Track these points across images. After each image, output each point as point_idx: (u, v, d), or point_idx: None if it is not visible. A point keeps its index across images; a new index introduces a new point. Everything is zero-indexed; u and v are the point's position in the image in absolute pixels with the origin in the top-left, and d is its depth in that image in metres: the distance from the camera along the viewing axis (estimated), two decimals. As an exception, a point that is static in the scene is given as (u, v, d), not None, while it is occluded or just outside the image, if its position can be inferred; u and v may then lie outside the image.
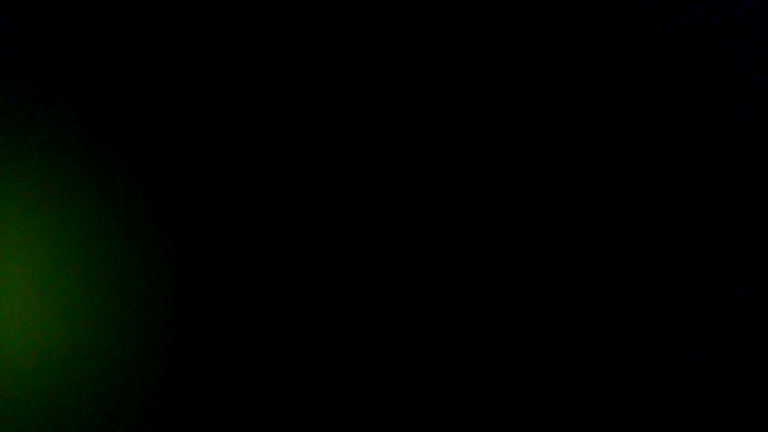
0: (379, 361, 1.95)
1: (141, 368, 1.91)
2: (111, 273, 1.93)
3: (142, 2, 1.92)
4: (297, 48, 1.98)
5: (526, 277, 1.96)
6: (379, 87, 1.99)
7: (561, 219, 1.97)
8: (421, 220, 1.98)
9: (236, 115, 1.97)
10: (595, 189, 1.97)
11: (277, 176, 1.97)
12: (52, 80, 1.93)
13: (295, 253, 1.96)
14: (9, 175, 1.93)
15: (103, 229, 1.94)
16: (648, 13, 1.99)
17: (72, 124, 1.92)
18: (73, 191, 1.94)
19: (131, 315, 1.92)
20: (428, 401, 1.94)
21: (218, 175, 1.96)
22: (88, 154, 1.93)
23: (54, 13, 1.90)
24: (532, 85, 1.99)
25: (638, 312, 1.95)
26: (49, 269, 1.93)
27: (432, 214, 1.98)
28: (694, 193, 1.97)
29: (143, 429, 1.91)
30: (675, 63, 1.99)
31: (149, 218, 1.94)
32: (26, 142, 1.94)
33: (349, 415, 1.94)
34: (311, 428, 1.93)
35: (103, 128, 1.94)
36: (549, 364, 1.94)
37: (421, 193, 1.98)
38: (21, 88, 1.92)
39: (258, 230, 1.97)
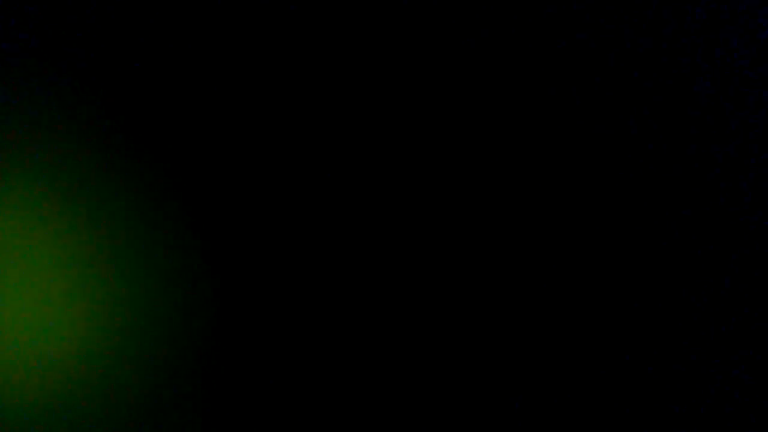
0: (386, 360, 1.95)
1: (173, 369, 1.92)
2: (137, 274, 1.94)
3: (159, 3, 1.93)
4: (306, 51, 1.99)
5: (525, 277, 1.97)
6: (381, 89, 1.99)
7: (561, 219, 1.97)
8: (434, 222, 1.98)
9: (263, 115, 1.98)
10: (595, 189, 1.98)
11: (306, 178, 1.97)
12: (87, 79, 1.93)
13: (321, 257, 1.96)
14: (39, 176, 1.94)
15: (126, 230, 1.95)
16: (648, 12, 2.00)
17: (101, 124, 1.93)
18: (102, 191, 1.95)
19: (161, 316, 1.93)
20: (432, 402, 1.95)
21: (248, 175, 1.96)
22: (119, 154, 1.94)
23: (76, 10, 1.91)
24: (531, 85, 2.00)
25: (638, 312, 1.95)
26: (78, 270, 1.93)
27: (444, 216, 1.98)
28: (694, 193, 1.97)
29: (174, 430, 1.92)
30: (675, 62, 2.00)
31: (175, 217, 1.94)
32: (57, 141, 1.95)
33: (358, 415, 1.95)
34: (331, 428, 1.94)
35: (132, 129, 1.94)
36: (549, 364, 1.95)
37: (435, 195, 1.98)
38: (54, 88, 1.93)
39: (279, 228, 1.97)
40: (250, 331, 1.95)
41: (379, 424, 1.94)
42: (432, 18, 2.00)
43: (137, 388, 1.92)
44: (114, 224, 1.95)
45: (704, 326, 1.94)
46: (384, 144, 1.98)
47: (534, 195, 1.98)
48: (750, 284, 1.94)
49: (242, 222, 1.97)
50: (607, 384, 1.94)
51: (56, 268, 1.93)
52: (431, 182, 1.98)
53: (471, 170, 1.99)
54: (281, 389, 1.94)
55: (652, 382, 1.94)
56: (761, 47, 1.99)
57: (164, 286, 1.94)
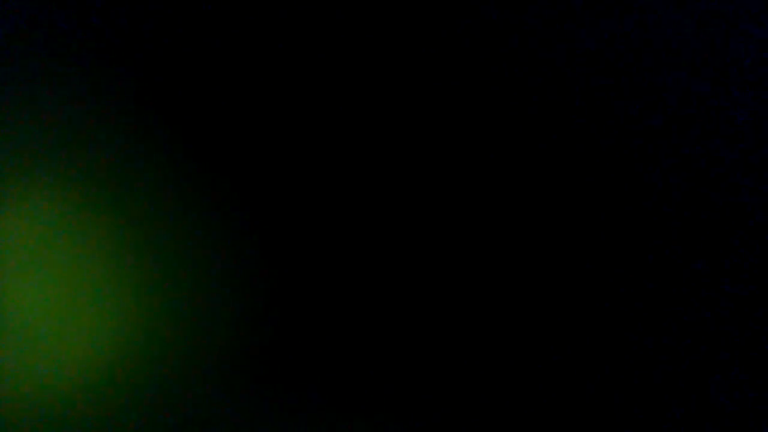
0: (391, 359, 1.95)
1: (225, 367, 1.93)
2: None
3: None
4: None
5: (525, 278, 1.97)
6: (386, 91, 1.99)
7: (563, 219, 1.97)
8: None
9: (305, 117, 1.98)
10: (595, 190, 1.97)
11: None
12: (145, 82, 1.94)
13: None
14: (97, 176, 1.95)
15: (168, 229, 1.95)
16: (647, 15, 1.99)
17: (155, 124, 1.93)
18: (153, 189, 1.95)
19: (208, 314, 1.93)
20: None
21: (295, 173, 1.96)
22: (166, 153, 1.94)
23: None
24: (531, 85, 1.99)
25: (638, 312, 1.95)
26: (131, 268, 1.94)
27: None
28: (693, 193, 1.96)
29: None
30: (675, 63, 1.99)
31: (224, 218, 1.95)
32: (122, 143, 1.95)
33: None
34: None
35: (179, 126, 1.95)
36: (549, 365, 1.95)
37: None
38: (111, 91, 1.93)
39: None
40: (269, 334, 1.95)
41: (384, 421, 1.95)
42: (431, 19, 2.00)
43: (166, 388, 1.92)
44: (140, 224, 1.95)
45: (704, 326, 1.94)
46: (391, 146, 1.99)
47: (535, 195, 1.98)
48: (750, 284, 1.94)
49: (257, 222, 1.97)
50: (607, 384, 1.94)
51: (89, 266, 1.94)
52: (445, 182, 1.98)
53: (472, 171, 1.98)
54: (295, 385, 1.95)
55: (651, 382, 1.93)
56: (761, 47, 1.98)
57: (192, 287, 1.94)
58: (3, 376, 1.91)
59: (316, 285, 1.97)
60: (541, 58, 1.99)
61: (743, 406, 1.92)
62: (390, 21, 2.00)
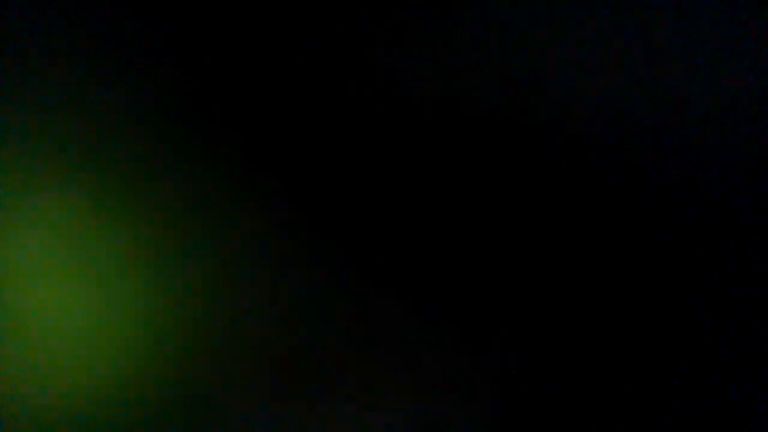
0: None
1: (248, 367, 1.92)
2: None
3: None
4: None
5: (525, 278, 1.96)
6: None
7: (564, 219, 1.97)
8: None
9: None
10: (595, 190, 1.97)
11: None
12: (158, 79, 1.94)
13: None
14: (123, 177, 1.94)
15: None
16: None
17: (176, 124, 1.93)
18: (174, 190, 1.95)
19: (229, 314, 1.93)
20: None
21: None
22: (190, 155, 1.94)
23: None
24: (530, 85, 1.99)
25: (638, 312, 1.95)
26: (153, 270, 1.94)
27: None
28: (693, 193, 1.96)
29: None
30: (675, 66, 1.99)
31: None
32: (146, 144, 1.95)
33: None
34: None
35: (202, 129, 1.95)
36: (549, 365, 1.94)
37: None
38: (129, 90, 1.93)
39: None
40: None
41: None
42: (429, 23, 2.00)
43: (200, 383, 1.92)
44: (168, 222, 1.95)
45: (704, 326, 1.94)
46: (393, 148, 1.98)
47: (536, 195, 1.97)
48: (750, 284, 1.93)
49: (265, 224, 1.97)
50: (607, 384, 1.93)
51: (98, 268, 1.93)
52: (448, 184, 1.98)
53: (474, 170, 1.98)
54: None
55: (652, 383, 1.93)
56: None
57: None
58: (10, 377, 1.91)
59: (327, 285, 1.97)
60: (539, 58, 1.99)
61: (743, 407, 1.91)
62: (390, 20, 2.00)
